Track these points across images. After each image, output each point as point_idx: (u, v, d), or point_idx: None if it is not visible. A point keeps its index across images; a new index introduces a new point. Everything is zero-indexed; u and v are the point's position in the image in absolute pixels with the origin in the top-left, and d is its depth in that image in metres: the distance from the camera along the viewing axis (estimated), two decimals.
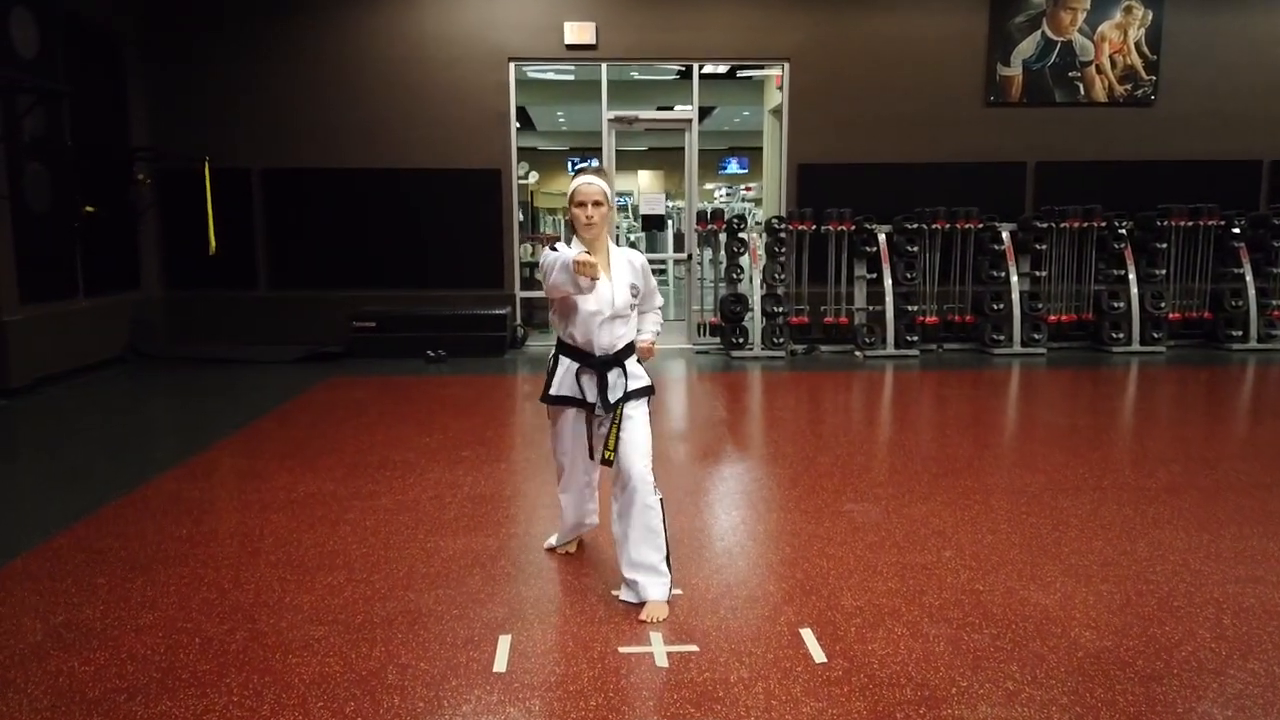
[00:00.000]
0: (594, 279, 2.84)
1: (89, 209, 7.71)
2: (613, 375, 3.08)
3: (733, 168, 22.36)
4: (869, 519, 3.93)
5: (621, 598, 3.07)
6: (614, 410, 3.06)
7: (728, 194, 21.95)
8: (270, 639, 2.81)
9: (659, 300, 3.33)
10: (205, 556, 3.50)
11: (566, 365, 3.12)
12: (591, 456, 3.21)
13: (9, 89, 6.56)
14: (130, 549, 3.58)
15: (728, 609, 3.02)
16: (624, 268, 3.13)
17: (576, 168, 3.15)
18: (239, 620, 2.94)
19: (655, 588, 3.00)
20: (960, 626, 2.88)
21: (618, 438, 3.03)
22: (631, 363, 3.15)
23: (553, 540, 3.55)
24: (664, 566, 3.03)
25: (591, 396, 3.08)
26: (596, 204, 3.04)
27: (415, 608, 3.03)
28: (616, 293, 3.07)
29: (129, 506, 4.14)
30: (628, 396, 3.08)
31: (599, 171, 3.14)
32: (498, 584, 3.24)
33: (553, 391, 3.15)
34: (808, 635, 2.82)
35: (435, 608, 3.03)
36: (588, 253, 2.89)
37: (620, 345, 3.10)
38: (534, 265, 9.46)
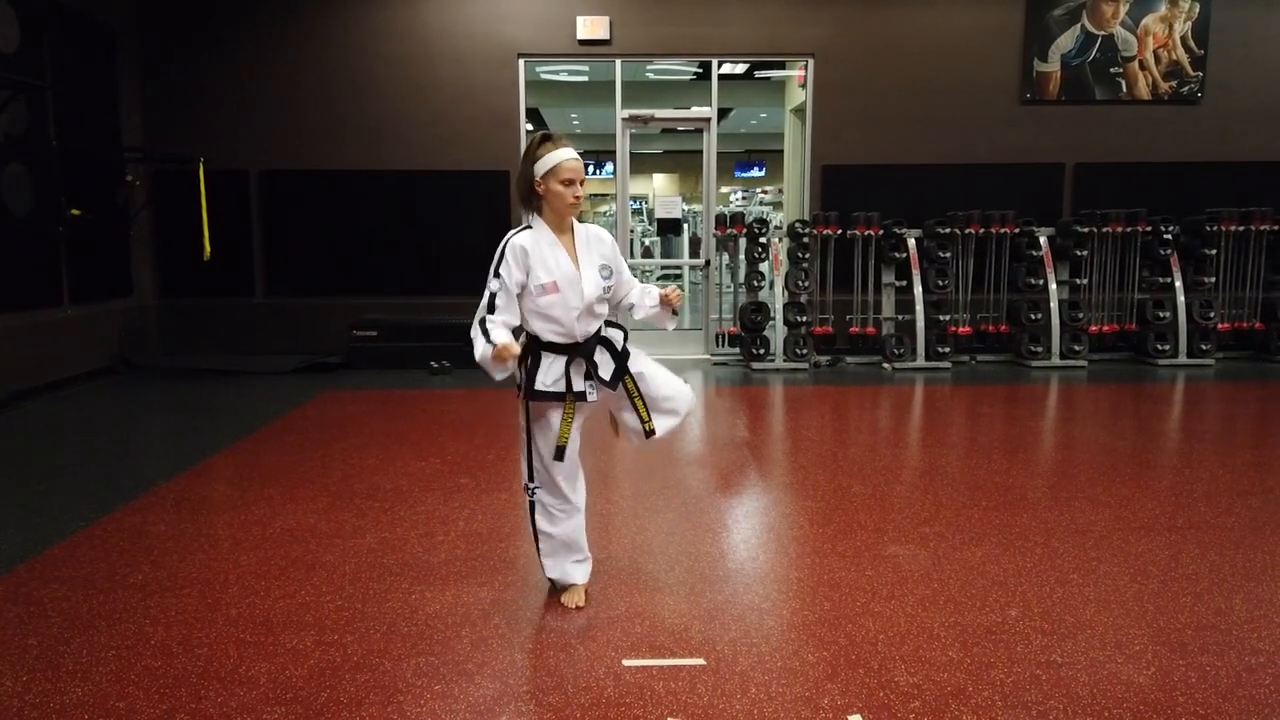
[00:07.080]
0: (510, 359, 2.75)
1: (75, 212, 7.29)
2: (599, 356, 2.96)
3: (752, 172, 21.91)
4: (917, 566, 3.44)
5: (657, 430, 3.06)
6: (620, 383, 2.98)
7: (744, 197, 21.46)
8: None
9: (637, 282, 3.11)
10: (157, 611, 3.05)
11: (550, 359, 2.92)
12: (615, 431, 3.24)
13: None
14: (73, 600, 3.13)
15: (759, 686, 2.54)
16: (593, 249, 2.95)
17: (543, 135, 2.86)
18: (181, 697, 2.49)
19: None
20: (1040, 714, 2.39)
21: (644, 401, 3.01)
22: (610, 332, 3.02)
23: (574, 598, 3.08)
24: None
25: (580, 385, 2.92)
26: (583, 181, 2.86)
27: (390, 681, 2.57)
28: (587, 282, 2.88)
29: (84, 544, 3.70)
30: (622, 369, 2.98)
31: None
32: (490, 650, 2.77)
33: (538, 386, 2.91)
34: None
35: (414, 682, 2.57)
36: (508, 349, 2.73)
37: (593, 331, 2.96)
38: None
